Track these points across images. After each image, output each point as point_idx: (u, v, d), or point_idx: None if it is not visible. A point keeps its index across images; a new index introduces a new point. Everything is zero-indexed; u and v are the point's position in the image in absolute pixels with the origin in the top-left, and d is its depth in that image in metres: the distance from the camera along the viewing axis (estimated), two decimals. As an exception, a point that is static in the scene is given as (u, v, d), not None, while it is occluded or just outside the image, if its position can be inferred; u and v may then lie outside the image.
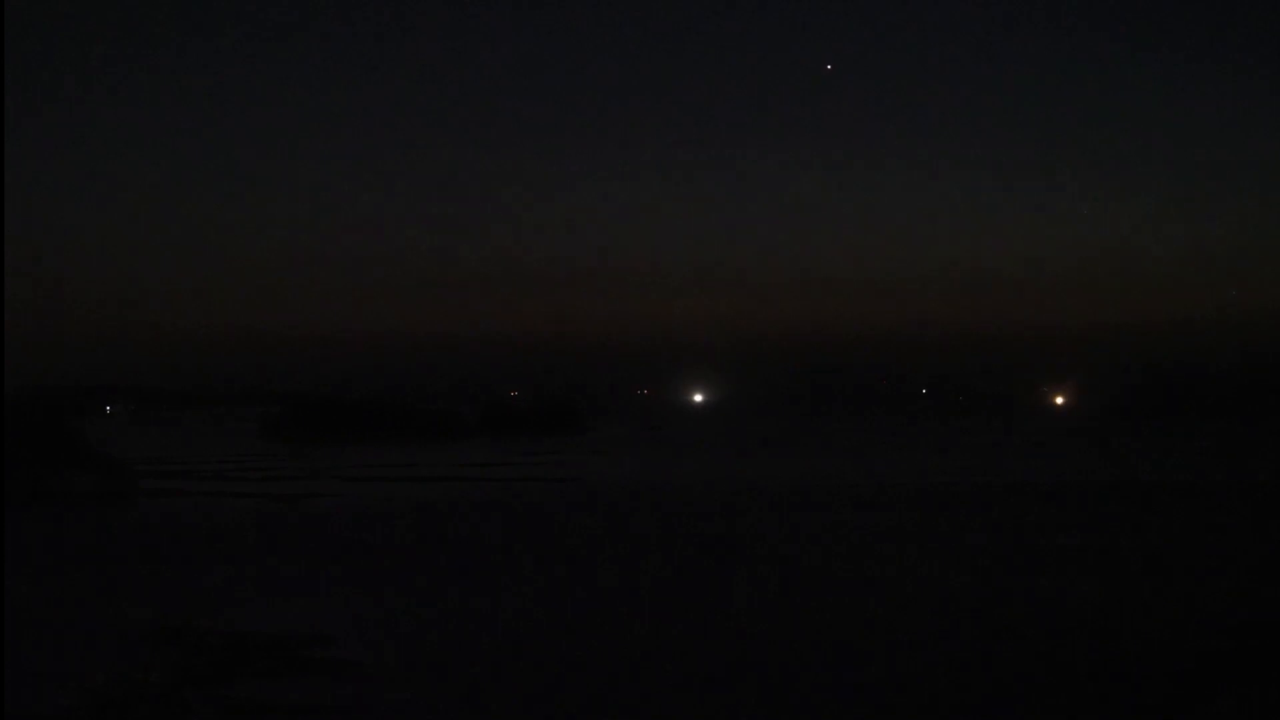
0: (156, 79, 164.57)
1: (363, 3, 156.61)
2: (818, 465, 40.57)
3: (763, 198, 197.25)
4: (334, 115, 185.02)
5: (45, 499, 26.73)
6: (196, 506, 26.67)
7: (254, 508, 26.26)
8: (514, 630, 12.01)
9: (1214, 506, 23.62)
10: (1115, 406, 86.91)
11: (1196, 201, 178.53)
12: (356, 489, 31.74)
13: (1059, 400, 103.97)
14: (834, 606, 13.17)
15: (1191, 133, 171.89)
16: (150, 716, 9.04)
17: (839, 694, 9.50)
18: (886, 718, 8.89)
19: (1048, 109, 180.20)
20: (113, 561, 17.26)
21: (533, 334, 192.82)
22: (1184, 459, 40.95)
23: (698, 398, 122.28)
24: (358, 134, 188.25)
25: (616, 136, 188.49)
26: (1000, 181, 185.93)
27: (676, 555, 17.49)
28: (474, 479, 35.56)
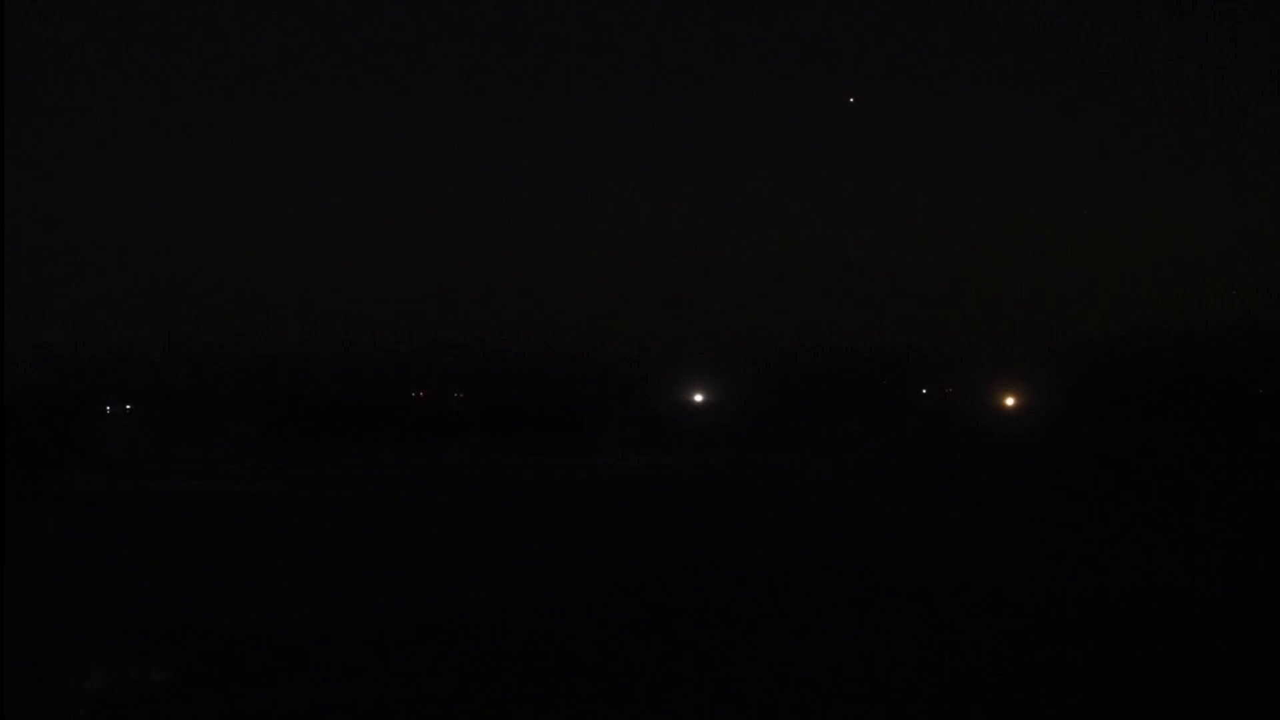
0: (166, 75, 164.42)
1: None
2: (822, 459, 40.63)
3: (761, 199, 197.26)
4: (329, 117, 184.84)
5: (45, 499, 26.74)
6: (197, 506, 26.67)
7: (255, 507, 26.28)
8: (517, 629, 12.05)
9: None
10: (1071, 406, 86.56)
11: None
12: (357, 488, 31.74)
13: (1010, 401, 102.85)
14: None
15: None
16: (151, 718, 9.07)
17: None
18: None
19: (1044, 109, 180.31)
20: (113, 561, 17.30)
21: (532, 333, 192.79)
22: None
23: (698, 398, 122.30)
24: (355, 137, 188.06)
25: (618, 137, 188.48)
26: (998, 182, 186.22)
27: (677, 548, 17.55)
28: (475, 478, 35.57)
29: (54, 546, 18.95)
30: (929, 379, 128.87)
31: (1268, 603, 13.52)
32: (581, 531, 20.92)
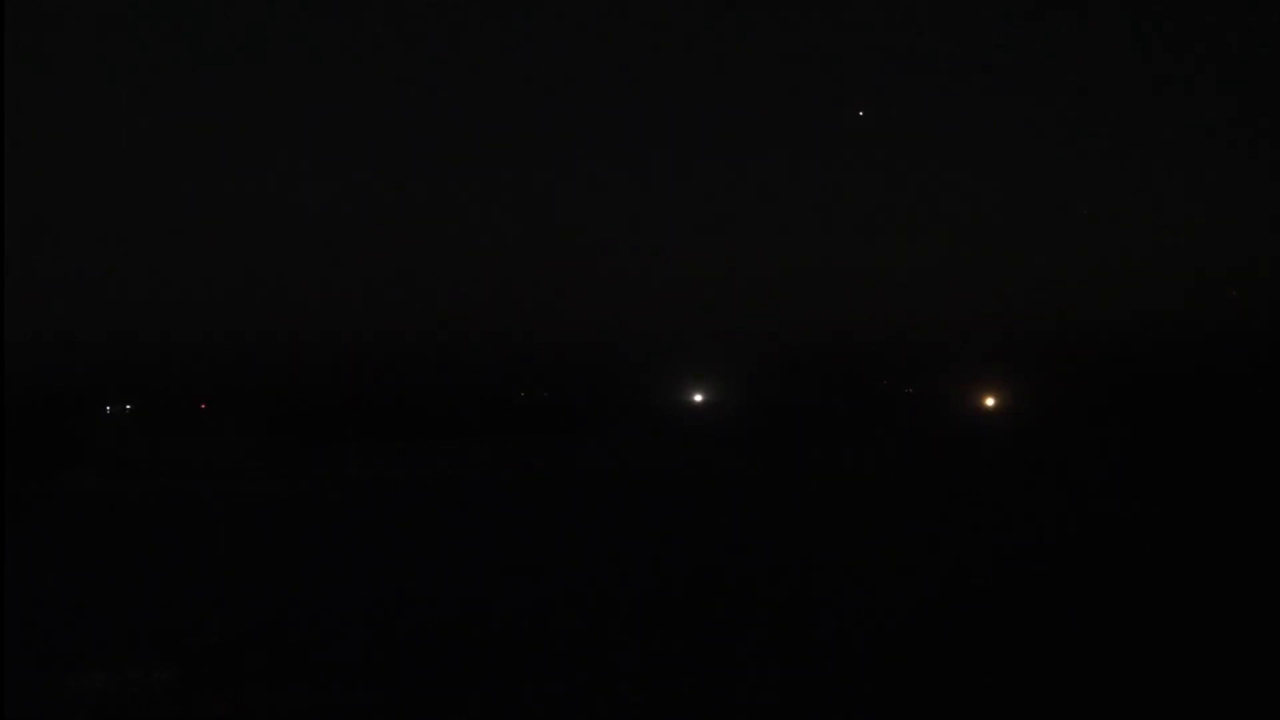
0: (171, 73, 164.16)
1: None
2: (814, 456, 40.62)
3: (759, 198, 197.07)
4: (327, 115, 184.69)
5: (45, 499, 26.75)
6: (197, 506, 26.67)
7: (256, 507, 26.28)
8: (518, 629, 12.05)
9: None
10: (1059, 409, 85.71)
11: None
12: (357, 488, 31.77)
13: (990, 401, 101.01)
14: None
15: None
16: (150, 718, 9.05)
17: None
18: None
19: (1044, 111, 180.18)
20: (113, 562, 17.30)
21: (532, 333, 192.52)
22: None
23: (697, 397, 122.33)
24: (353, 133, 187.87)
25: (616, 137, 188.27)
26: (992, 181, 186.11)
27: (676, 545, 17.58)
28: (475, 477, 35.59)
29: (54, 546, 18.95)
30: (919, 378, 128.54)
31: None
32: (613, 527, 20.92)
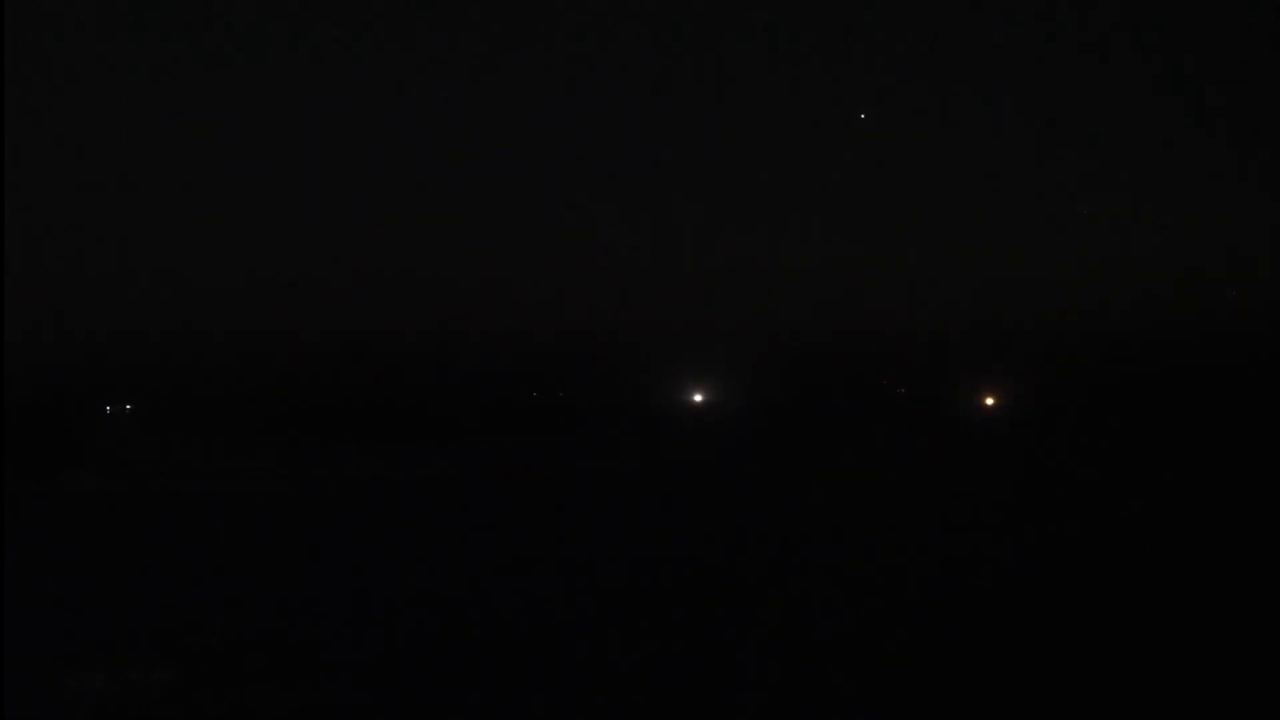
0: (171, 73, 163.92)
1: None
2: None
3: (759, 198, 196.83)
4: (327, 115, 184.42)
5: (45, 499, 26.75)
6: (197, 506, 26.69)
7: (255, 507, 26.30)
8: (518, 629, 12.05)
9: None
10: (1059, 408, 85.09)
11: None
12: (357, 488, 31.77)
13: (989, 401, 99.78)
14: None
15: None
16: (151, 718, 9.06)
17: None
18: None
19: (1042, 107, 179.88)
20: (113, 562, 17.30)
21: (532, 333, 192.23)
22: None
23: (697, 397, 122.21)
24: (352, 130, 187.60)
25: (617, 137, 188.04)
26: (994, 180, 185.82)
27: (674, 549, 17.59)
28: (475, 477, 35.59)
29: (54, 546, 18.96)
30: (918, 377, 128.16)
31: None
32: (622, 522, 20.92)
